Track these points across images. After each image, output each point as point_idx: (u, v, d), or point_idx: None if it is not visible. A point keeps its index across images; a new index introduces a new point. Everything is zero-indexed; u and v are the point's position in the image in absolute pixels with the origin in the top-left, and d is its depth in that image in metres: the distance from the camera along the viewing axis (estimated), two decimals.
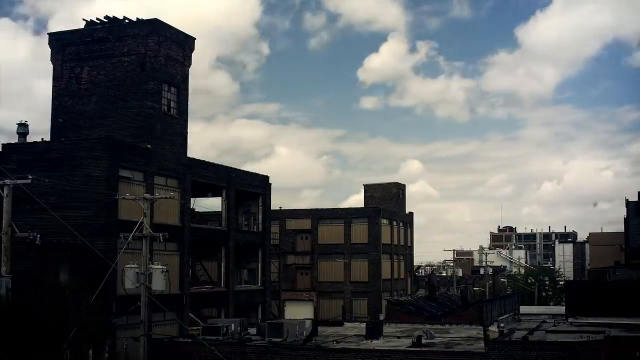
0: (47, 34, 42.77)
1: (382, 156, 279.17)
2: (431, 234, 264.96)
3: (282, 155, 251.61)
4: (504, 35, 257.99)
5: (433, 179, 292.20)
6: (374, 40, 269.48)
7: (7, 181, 27.50)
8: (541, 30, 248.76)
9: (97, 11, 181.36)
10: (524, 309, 53.57)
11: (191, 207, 45.26)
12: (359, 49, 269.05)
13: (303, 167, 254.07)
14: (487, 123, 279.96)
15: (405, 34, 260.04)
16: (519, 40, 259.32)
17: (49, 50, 42.33)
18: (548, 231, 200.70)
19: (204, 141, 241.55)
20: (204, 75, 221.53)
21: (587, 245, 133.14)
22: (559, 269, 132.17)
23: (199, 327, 36.64)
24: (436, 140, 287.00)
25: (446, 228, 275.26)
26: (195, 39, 43.44)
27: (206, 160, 45.98)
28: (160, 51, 40.20)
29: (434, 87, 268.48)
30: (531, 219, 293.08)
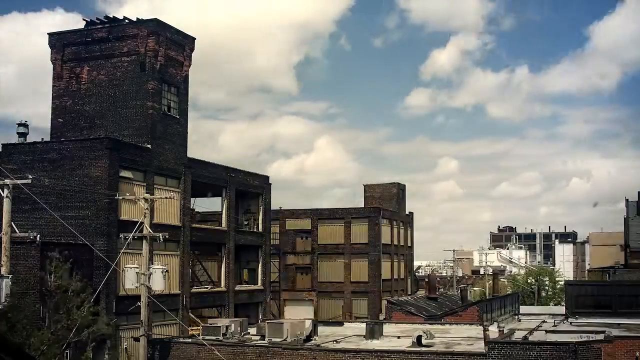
0: (47, 33, 42.80)
1: (421, 155, 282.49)
2: (443, 234, 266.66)
3: (318, 153, 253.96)
4: (572, 35, 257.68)
5: (463, 178, 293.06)
6: (441, 37, 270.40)
7: (7, 181, 27.49)
8: (611, 30, 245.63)
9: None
10: (524, 309, 53.56)
11: (191, 207, 45.27)
12: (424, 47, 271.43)
13: (337, 166, 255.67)
14: (531, 120, 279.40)
15: (475, 31, 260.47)
16: (588, 40, 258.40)
17: (49, 49, 42.38)
18: (548, 231, 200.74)
19: (245, 139, 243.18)
20: (267, 71, 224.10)
21: (587, 245, 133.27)
22: (559, 269, 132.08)
23: (199, 327, 36.64)
24: (476, 138, 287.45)
25: (458, 228, 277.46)
26: (195, 39, 43.47)
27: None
28: (160, 51, 40.20)
29: (490, 85, 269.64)
30: (549, 218, 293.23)
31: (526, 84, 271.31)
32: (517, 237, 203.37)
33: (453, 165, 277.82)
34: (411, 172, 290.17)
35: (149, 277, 28.60)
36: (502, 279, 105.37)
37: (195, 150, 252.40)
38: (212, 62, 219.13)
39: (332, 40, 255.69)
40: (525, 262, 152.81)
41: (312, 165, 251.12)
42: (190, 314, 42.14)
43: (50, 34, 42.75)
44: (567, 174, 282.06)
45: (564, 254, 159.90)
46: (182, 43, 42.43)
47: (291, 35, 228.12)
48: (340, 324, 44.23)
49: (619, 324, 37.02)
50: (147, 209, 30.30)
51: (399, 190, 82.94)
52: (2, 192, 27.74)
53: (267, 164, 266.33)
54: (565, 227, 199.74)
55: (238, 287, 48.61)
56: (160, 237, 29.91)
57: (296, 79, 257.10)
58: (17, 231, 28.73)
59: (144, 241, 29.56)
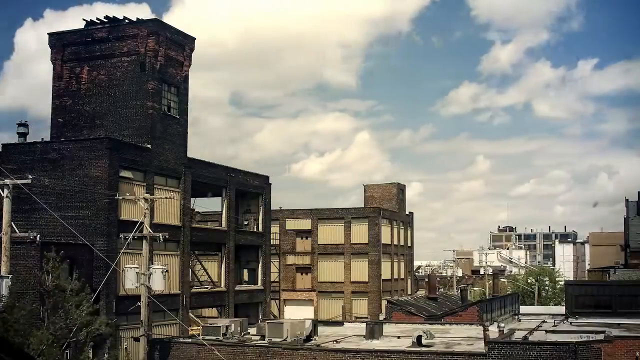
0: (47, 33, 42.81)
1: (459, 153, 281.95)
2: (457, 233, 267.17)
3: (353, 151, 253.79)
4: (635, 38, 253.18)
5: (492, 177, 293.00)
6: (503, 35, 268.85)
7: (7, 181, 27.50)
8: None
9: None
10: (524, 309, 53.54)
11: (191, 207, 45.28)
12: (486, 45, 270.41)
13: (370, 165, 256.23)
14: (573, 119, 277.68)
15: (540, 29, 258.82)
16: None
17: (49, 49, 42.37)
18: (548, 231, 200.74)
19: (283, 136, 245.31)
20: (329, 67, 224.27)
21: (587, 245, 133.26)
22: (559, 269, 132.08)
23: (199, 327, 36.64)
24: (516, 136, 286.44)
25: (470, 228, 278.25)
26: (195, 39, 43.46)
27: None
28: (160, 51, 40.20)
29: (541, 83, 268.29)
30: (563, 218, 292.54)
31: (578, 83, 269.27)
32: (517, 237, 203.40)
33: (486, 164, 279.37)
34: (444, 171, 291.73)
35: (149, 277, 28.62)
36: (502, 279, 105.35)
37: (225, 148, 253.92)
38: (274, 56, 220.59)
39: (397, 38, 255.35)
40: (525, 262, 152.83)
41: (344, 164, 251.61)
42: (190, 314, 42.14)
43: (50, 34, 42.74)
44: (594, 173, 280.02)
45: (564, 254, 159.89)
46: (182, 43, 42.43)
47: (360, 31, 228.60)
48: (340, 324, 44.23)
49: (619, 324, 37.02)
50: (147, 209, 30.31)
51: (399, 191, 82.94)
52: (2, 192, 27.75)
53: (299, 162, 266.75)
54: (565, 227, 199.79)
55: (238, 287, 48.61)
56: (160, 237, 29.92)
57: (356, 76, 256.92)
58: (17, 231, 28.73)
59: (144, 241, 29.57)
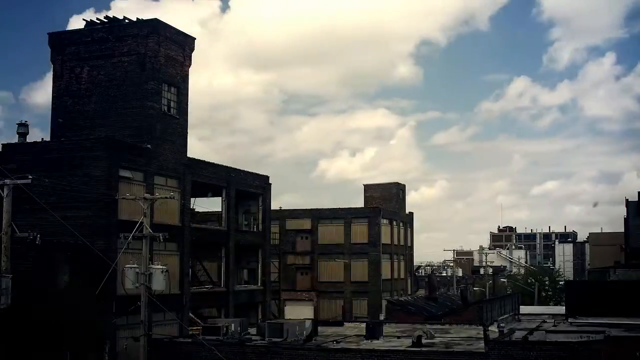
0: (47, 34, 42.80)
1: (496, 153, 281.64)
2: (471, 234, 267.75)
3: (389, 149, 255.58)
4: None
5: (520, 177, 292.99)
6: (567, 33, 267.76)
7: (7, 181, 27.48)
8: None
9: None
10: (524, 309, 53.51)
11: (191, 207, 45.27)
12: (547, 43, 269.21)
13: (403, 164, 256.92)
14: (619, 117, 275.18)
15: (607, 28, 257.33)
16: None
17: (49, 50, 42.39)
18: (548, 231, 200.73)
19: (322, 133, 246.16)
20: (391, 62, 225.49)
21: (587, 245, 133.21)
22: (559, 269, 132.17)
23: (199, 327, 36.63)
24: (555, 135, 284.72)
25: (483, 228, 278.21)
26: (195, 38, 43.46)
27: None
28: (160, 51, 40.19)
29: (595, 82, 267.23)
30: (575, 217, 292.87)
31: (635, 83, 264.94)
32: (517, 237, 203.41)
33: (519, 164, 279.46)
34: (475, 170, 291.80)
35: (149, 277, 28.59)
36: (502, 279, 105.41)
37: (262, 146, 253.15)
38: (337, 51, 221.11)
39: (463, 34, 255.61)
40: (526, 262, 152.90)
41: (376, 163, 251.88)
42: (190, 314, 42.12)
43: (50, 34, 42.74)
44: (622, 172, 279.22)
45: (564, 254, 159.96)
46: (182, 43, 42.42)
47: (429, 26, 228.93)
48: (340, 324, 44.22)
49: (619, 324, 36.99)
50: (147, 209, 30.30)
51: (399, 190, 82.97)
52: (2, 192, 27.74)
53: (331, 160, 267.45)
54: (565, 227, 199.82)
55: (238, 287, 48.60)
56: (160, 237, 29.89)
57: (415, 71, 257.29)
58: (17, 231, 28.69)
59: (144, 241, 29.55)
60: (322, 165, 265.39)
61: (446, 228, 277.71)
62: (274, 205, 57.72)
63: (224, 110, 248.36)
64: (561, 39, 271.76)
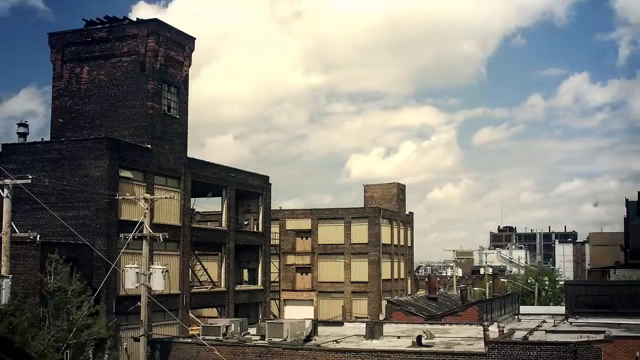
0: (47, 34, 42.81)
1: (533, 152, 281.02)
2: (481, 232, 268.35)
3: (426, 147, 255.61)
4: None
5: (545, 176, 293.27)
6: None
7: (7, 181, 27.49)
8: None
9: None
10: (524, 309, 53.57)
11: (191, 207, 45.27)
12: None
13: (434, 163, 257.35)
14: None
15: None
16: None
17: (49, 49, 42.37)
18: (548, 231, 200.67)
19: (361, 130, 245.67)
20: (459, 60, 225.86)
21: (587, 245, 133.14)
22: (559, 269, 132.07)
23: (199, 327, 36.63)
24: (589, 135, 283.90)
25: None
26: (195, 39, 43.45)
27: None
28: (160, 51, 40.19)
29: None
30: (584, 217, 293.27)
31: None
32: (517, 237, 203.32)
33: (551, 162, 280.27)
34: (503, 169, 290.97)
35: (149, 277, 28.59)
36: (502, 279, 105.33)
37: (296, 145, 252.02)
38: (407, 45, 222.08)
39: (536, 33, 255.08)
40: (525, 262, 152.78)
41: (408, 162, 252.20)
42: (190, 314, 42.13)
43: (50, 34, 42.74)
44: None
45: (564, 254, 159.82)
46: (182, 43, 42.42)
47: (495, 22, 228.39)
48: (340, 324, 44.23)
49: (619, 324, 37.00)
50: (147, 209, 30.29)
51: (399, 191, 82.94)
52: (2, 192, 27.74)
53: (363, 158, 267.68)
54: (565, 227, 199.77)
55: (238, 287, 48.60)
56: (160, 237, 29.89)
57: (474, 69, 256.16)
58: (17, 231, 28.71)
59: (144, 241, 29.55)
60: (349, 164, 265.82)
61: (459, 228, 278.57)
62: (274, 205, 57.72)
63: (273, 108, 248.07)
64: (624, 37, 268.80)
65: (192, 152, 45.78)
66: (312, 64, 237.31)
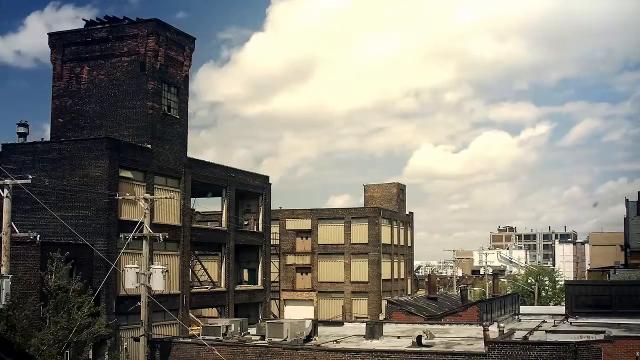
0: (47, 33, 42.84)
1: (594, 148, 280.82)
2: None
3: (500, 144, 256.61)
4: None
5: (585, 178, 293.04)
6: None
7: (7, 181, 27.49)
8: None
9: None
10: (524, 309, 53.54)
11: (191, 207, 45.28)
12: None
13: (495, 164, 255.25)
14: None
15: None
16: None
17: (49, 49, 42.38)
18: (548, 231, 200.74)
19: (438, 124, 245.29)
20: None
21: (587, 245, 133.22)
22: (559, 269, 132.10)
23: (199, 327, 36.63)
24: None
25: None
26: (195, 39, 43.47)
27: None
28: (160, 51, 40.19)
29: None
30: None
31: None
32: (517, 237, 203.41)
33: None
34: (561, 169, 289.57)
35: (149, 277, 28.60)
36: (502, 279, 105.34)
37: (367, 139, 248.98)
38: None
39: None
40: (525, 262, 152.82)
41: (470, 158, 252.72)
42: (190, 314, 42.13)
43: (50, 34, 42.76)
44: None
45: (564, 254, 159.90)
46: (182, 43, 42.42)
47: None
48: (340, 324, 44.22)
49: (619, 324, 37.00)
50: (147, 209, 30.30)
51: (399, 191, 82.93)
52: (2, 192, 27.75)
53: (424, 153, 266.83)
54: (565, 227, 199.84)
55: (238, 287, 48.60)
56: (160, 237, 29.90)
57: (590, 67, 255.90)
58: (17, 231, 28.72)
59: (144, 241, 29.56)
60: (412, 160, 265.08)
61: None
62: (274, 205, 57.69)
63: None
64: None
65: None
66: None
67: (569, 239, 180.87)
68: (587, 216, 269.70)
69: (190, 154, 42.89)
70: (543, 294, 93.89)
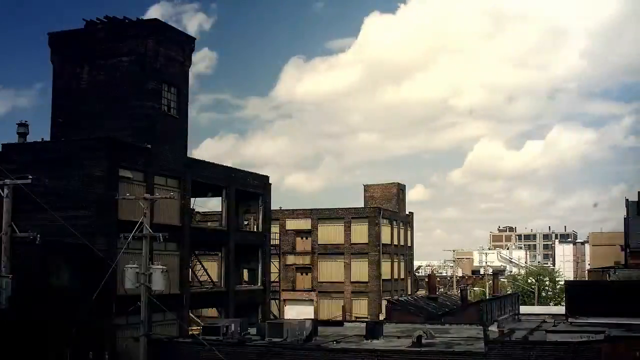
0: (47, 33, 42.79)
1: None
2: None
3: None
4: None
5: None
6: None
7: (7, 181, 27.48)
8: None
9: None
10: (524, 309, 53.60)
11: (191, 207, 45.27)
12: None
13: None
14: None
15: None
16: None
17: (49, 49, 42.37)
18: (548, 231, 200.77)
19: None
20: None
21: (587, 245, 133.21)
22: (559, 269, 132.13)
23: (199, 327, 36.62)
24: None
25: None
26: (195, 39, 43.50)
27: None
28: (160, 51, 40.18)
29: None
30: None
31: None
32: (517, 237, 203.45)
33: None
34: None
35: (149, 277, 28.58)
36: (502, 279, 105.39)
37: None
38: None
39: None
40: (525, 262, 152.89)
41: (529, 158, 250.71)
42: (190, 314, 42.11)
43: (50, 34, 42.71)
44: None
45: (564, 254, 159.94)
46: (182, 43, 42.41)
47: None
48: (340, 324, 44.21)
49: (619, 324, 36.99)
50: (147, 209, 30.28)
51: (399, 190, 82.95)
52: (2, 192, 27.74)
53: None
54: (565, 227, 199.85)
55: (238, 287, 48.58)
56: (160, 237, 29.87)
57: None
58: (17, 231, 28.68)
59: (144, 241, 29.53)
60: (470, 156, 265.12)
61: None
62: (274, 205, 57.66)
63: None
64: None
65: None
66: None
67: (569, 239, 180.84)
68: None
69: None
70: (543, 294, 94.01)
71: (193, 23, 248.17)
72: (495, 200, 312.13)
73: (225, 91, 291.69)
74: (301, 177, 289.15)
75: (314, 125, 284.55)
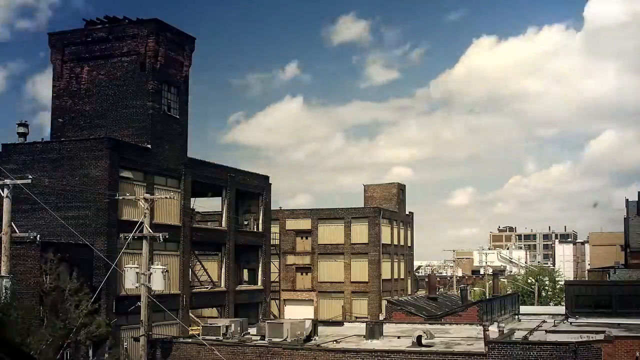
0: (47, 33, 42.83)
1: None
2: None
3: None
4: None
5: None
6: None
7: (7, 181, 27.48)
8: None
9: None
10: (524, 309, 53.52)
11: (191, 207, 45.27)
12: None
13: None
14: None
15: None
16: None
17: (49, 49, 42.37)
18: (548, 231, 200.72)
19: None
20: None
21: (587, 245, 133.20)
22: (559, 269, 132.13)
23: (199, 327, 36.62)
24: None
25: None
26: (195, 39, 43.47)
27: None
28: (160, 51, 40.18)
29: None
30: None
31: None
32: (517, 237, 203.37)
33: None
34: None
35: (149, 277, 28.59)
36: (502, 279, 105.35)
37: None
38: None
39: None
40: (525, 262, 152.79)
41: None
42: (190, 314, 42.12)
43: (51, 34, 42.72)
44: None
45: (564, 254, 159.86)
46: (182, 43, 42.41)
47: None
48: (340, 324, 44.20)
49: (619, 324, 36.99)
50: (147, 209, 30.29)
51: (399, 191, 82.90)
52: (2, 192, 27.74)
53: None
54: (565, 227, 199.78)
55: (238, 287, 48.59)
56: (160, 237, 29.89)
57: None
58: (17, 231, 28.71)
59: (144, 241, 29.55)
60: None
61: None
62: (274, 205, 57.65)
63: None
64: None
65: None
66: None
67: (569, 239, 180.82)
68: None
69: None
70: (543, 294, 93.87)
71: None
72: None
73: None
74: None
75: None
